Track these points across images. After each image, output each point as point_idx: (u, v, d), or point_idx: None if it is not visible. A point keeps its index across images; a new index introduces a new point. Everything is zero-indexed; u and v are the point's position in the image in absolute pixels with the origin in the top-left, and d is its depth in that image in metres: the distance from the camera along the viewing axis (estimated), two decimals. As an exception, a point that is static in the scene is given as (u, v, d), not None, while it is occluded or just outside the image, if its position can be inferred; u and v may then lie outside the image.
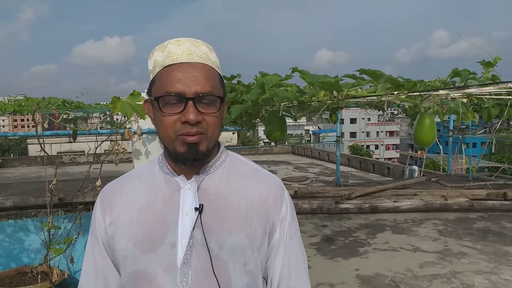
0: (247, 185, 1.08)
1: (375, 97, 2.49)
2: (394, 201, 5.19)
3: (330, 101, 2.64)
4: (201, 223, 1.00)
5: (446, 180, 6.63)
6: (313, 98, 3.20)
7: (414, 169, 7.83)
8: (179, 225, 1.01)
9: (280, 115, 2.94)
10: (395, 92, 2.25)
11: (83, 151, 17.21)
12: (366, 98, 2.86)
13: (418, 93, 2.28)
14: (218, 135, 1.03)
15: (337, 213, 5.17)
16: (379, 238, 4.37)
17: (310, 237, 4.43)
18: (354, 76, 2.64)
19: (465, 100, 2.99)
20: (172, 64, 0.98)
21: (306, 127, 65.83)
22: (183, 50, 0.99)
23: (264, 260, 1.08)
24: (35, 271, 4.42)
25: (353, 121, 64.66)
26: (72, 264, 4.67)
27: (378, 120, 61.00)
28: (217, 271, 0.99)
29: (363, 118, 61.86)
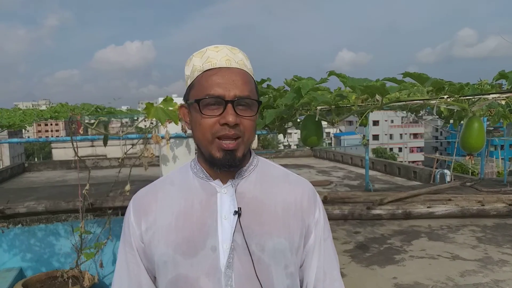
0: (281, 188, 1.10)
1: (421, 101, 2.39)
2: (428, 207, 5.04)
3: (372, 105, 2.56)
4: (241, 227, 1.00)
5: (480, 185, 6.43)
6: (344, 101, 3.12)
7: (446, 173, 7.62)
8: (219, 229, 1.01)
9: (316, 119, 2.87)
10: (445, 96, 2.15)
11: (105, 155, 17.43)
12: (405, 101, 2.77)
13: (470, 97, 2.18)
14: (253, 139, 1.04)
15: (369, 219, 5.05)
16: (415, 245, 4.23)
17: (343, 244, 4.33)
18: (394, 79, 2.55)
19: (503, 102, 2.86)
20: (211, 69, 1.00)
21: (327, 130, 65.34)
22: (221, 56, 1.02)
23: (299, 262, 1.10)
24: (66, 276, 4.44)
25: (375, 123, 63.80)
26: (102, 269, 4.69)
27: (402, 122, 60.20)
28: (259, 274, 0.99)
29: (386, 120, 61.04)
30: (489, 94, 2.16)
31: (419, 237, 4.48)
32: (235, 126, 0.97)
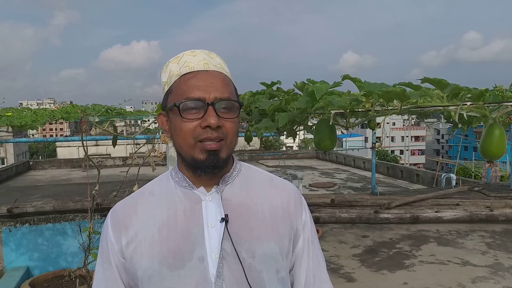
0: (267, 192, 1.07)
1: (441, 107, 2.38)
2: (436, 211, 5.03)
3: (390, 110, 2.54)
4: (229, 234, 0.97)
5: (488, 189, 6.40)
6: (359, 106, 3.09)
7: (452, 177, 7.59)
8: (206, 238, 0.98)
9: (330, 123, 2.85)
10: (468, 103, 2.13)
11: (109, 154, 17.44)
12: (425, 107, 2.75)
13: (494, 104, 2.16)
14: (236, 142, 1.02)
15: (377, 223, 5.04)
16: (424, 250, 4.22)
17: (352, 248, 4.31)
18: (410, 84, 2.53)
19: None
20: (189, 72, 0.98)
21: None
22: (199, 60, 1.00)
23: (290, 267, 1.08)
24: (73, 275, 4.42)
25: (377, 125, 63.61)
26: (109, 269, 4.68)
27: (403, 125, 60.07)
28: (251, 282, 0.97)
29: (387, 123, 60.85)
30: (511, 101, 2.15)
31: (428, 241, 4.47)
32: (217, 129, 0.94)
